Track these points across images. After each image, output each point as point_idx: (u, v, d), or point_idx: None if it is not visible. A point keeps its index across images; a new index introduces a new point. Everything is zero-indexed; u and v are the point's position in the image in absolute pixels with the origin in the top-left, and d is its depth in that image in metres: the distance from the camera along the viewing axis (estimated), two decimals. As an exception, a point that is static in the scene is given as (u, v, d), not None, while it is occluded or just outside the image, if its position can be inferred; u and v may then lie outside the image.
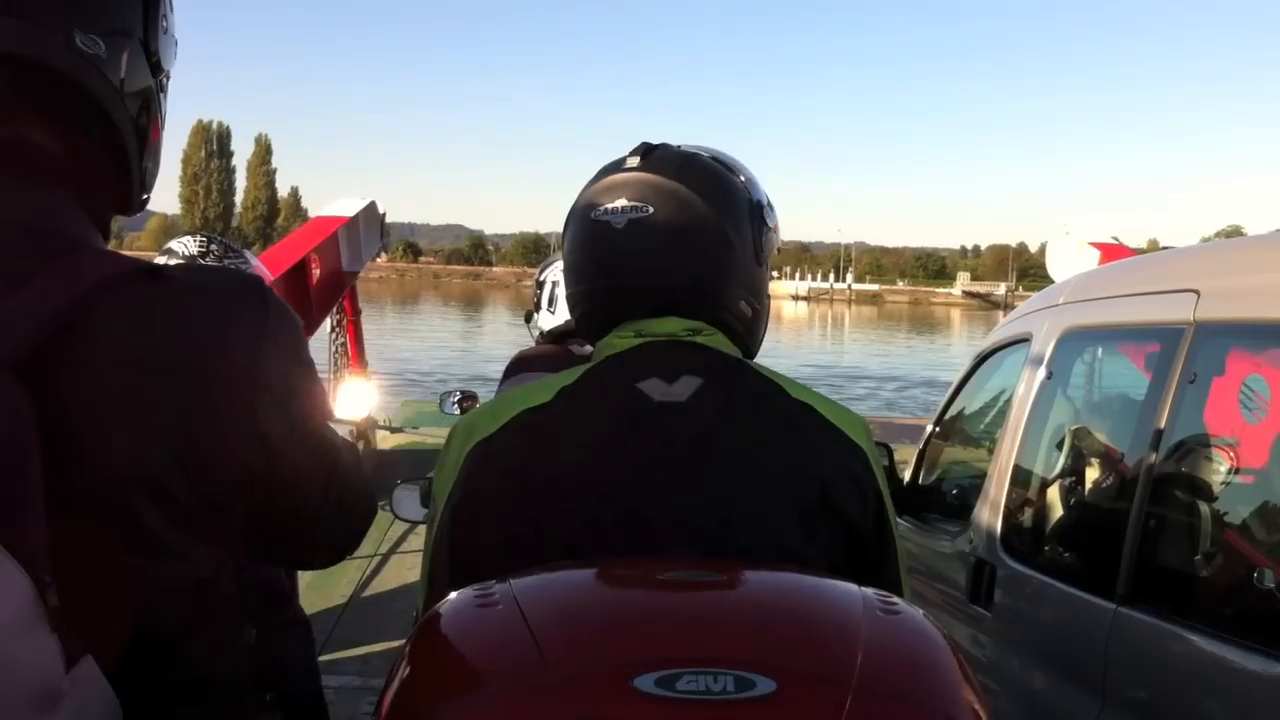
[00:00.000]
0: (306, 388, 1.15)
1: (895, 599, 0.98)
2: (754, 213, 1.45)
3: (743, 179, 1.47)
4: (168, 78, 1.21)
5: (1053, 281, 5.09)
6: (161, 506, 1.02)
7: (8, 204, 1.06)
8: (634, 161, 1.43)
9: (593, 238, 1.43)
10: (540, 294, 3.79)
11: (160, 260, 2.32)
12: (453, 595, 0.99)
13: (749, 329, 1.46)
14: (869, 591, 0.97)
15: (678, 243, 1.38)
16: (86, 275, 1.01)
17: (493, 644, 0.90)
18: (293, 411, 1.12)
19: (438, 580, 1.28)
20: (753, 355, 1.48)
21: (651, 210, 1.38)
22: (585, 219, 1.43)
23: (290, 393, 1.12)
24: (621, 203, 1.39)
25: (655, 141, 1.48)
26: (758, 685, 0.79)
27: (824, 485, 1.28)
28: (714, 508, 1.25)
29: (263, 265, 3.43)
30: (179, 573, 1.05)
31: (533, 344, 3.88)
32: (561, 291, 3.63)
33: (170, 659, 1.04)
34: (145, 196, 1.20)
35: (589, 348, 4.20)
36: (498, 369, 3.94)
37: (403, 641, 1.01)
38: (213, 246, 2.57)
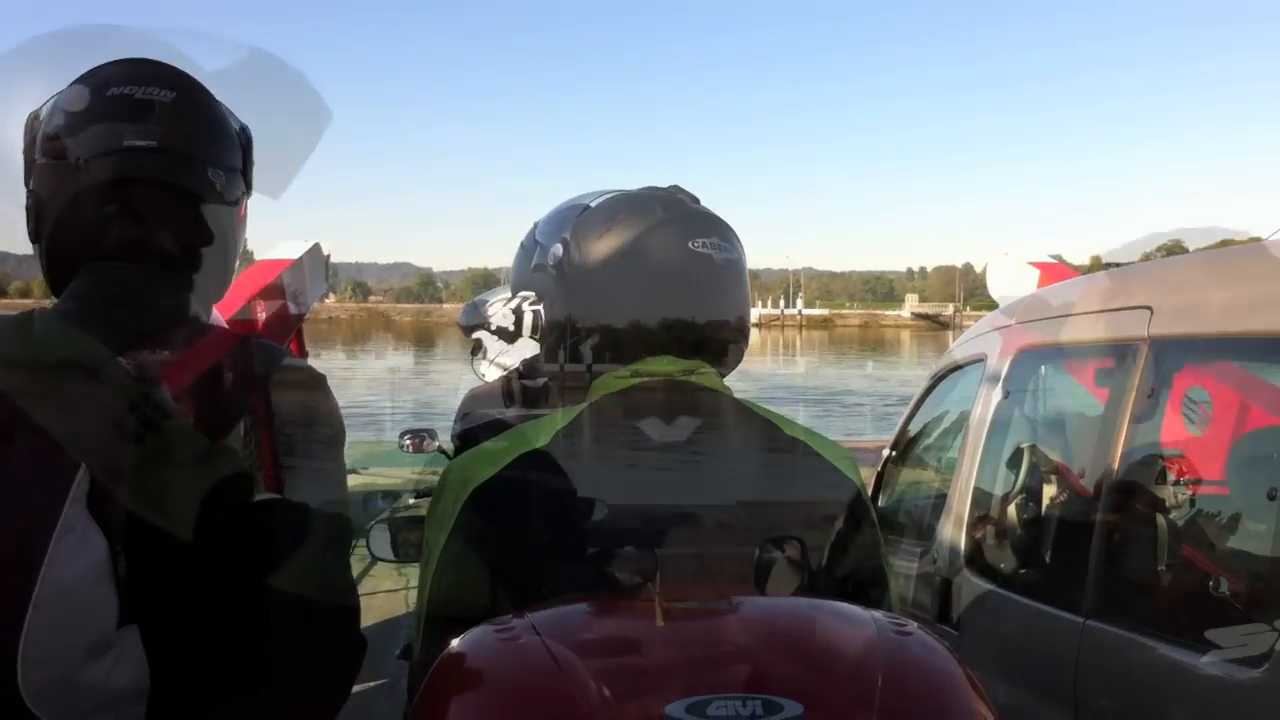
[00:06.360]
0: None
1: (905, 620, 1.00)
2: None
3: None
4: None
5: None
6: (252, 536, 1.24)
7: (154, 288, 1.40)
8: (693, 201, 1.43)
9: (686, 270, 1.36)
10: (521, 322, 3.79)
11: None
12: (471, 631, 0.99)
13: (740, 359, 1.51)
14: (878, 614, 1.00)
15: (744, 281, 1.46)
16: (222, 344, 1.39)
17: (519, 676, 0.91)
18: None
19: (436, 621, 1.27)
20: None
21: (735, 253, 1.42)
22: (680, 248, 1.36)
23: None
24: (715, 239, 1.37)
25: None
26: (785, 709, 0.81)
27: (822, 519, 1.31)
28: (719, 547, 1.26)
29: (216, 310, 3.40)
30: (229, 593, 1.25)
31: (480, 381, 3.91)
32: None
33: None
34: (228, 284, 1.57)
35: (540, 380, 4.18)
36: (454, 404, 3.96)
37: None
38: None
